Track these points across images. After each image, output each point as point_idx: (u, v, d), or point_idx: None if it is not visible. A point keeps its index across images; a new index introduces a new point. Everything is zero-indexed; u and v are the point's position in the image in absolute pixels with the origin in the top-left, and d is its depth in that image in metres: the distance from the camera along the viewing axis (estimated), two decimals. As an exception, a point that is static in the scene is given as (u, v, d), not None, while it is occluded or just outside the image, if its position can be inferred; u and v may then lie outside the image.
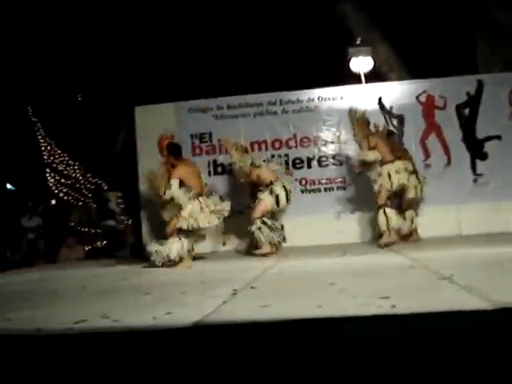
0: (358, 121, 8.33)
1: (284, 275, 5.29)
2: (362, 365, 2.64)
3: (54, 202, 15.33)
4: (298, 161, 10.02)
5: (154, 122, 10.04)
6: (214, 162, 10.13)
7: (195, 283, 4.99)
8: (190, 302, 3.78)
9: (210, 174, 10.08)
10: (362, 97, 9.90)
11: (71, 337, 2.98)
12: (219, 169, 10.06)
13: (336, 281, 4.27)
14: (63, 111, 13.91)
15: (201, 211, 7.14)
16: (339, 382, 2.66)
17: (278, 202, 7.93)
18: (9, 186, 22.17)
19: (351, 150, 9.36)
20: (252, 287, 4.36)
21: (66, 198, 14.81)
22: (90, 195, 14.82)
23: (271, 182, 7.99)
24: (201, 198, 7.23)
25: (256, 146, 10.10)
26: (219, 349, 2.77)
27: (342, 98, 10.06)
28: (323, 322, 2.79)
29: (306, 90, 10.29)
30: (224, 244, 9.68)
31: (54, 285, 5.87)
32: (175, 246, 7.07)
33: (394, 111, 10.05)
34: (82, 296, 4.82)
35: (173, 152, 7.63)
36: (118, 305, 3.91)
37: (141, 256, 9.98)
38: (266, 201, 7.91)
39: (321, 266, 6.03)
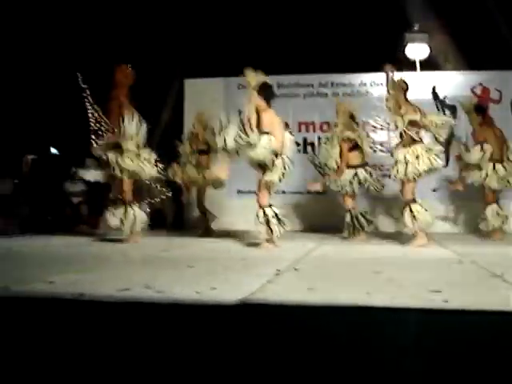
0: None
1: (327, 259, 5.21)
2: (413, 359, 2.56)
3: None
4: (344, 145, 9.86)
5: (203, 96, 10.01)
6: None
7: (238, 260, 4.94)
8: (233, 278, 3.72)
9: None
10: (416, 84, 9.66)
11: (114, 304, 2.94)
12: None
13: (381, 269, 4.17)
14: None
15: None
16: (383, 374, 2.59)
17: None
18: (53, 150, 22.46)
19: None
20: (295, 269, 4.28)
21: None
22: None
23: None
24: None
25: (304, 127, 10.00)
26: (263, 329, 2.72)
27: (395, 84, 9.85)
28: (374, 310, 2.70)
29: (358, 74, 10.14)
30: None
31: (96, 251, 5.90)
32: None
33: (448, 101, 9.82)
34: (123, 264, 4.82)
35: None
36: (161, 276, 3.87)
37: (180, 227, 10.04)
38: None
39: (364, 252, 5.94)
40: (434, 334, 2.63)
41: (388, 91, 7.26)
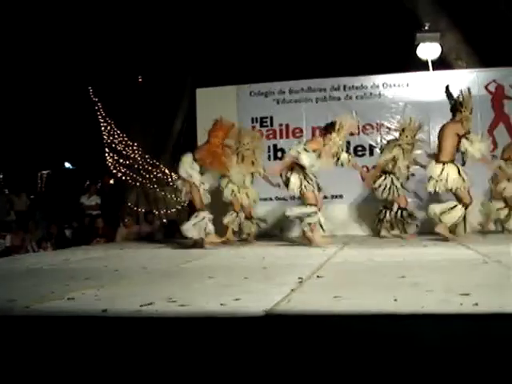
0: None
1: (349, 265, 5.13)
2: (445, 367, 2.49)
3: (112, 181, 15.48)
4: (359, 148, 9.81)
5: (215, 105, 9.98)
6: (275, 146, 10.00)
7: (257, 269, 4.88)
8: (255, 288, 3.67)
9: (269, 158, 9.97)
10: (429, 84, 9.59)
11: (138, 320, 2.90)
12: (279, 153, 9.90)
13: (405, 273, 4.09)
14: (124, 92, 13.98)
15: None
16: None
17: None
18: (67, 164, 22.57)
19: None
20: (318, 276, 4.22)
21: (123, 178, 14.90)
22: (147, 176, 14.86)
23: None
24: None
25: (317, 132, 9.92)
26: (290, 339, 2.66)
27: (407, 84, 9.79)
28: (404, 318, 2.63)
29: (370, 76, 10.05)
30: (281, 231, 9.63)
31: (115, 264, 5.85)
32: None
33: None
34: (144, 277, 4.77)
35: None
36: (183, 288, 3.83)
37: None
38: None
39: (385, 256, 5.85)
40: (466, 338, 2.56)
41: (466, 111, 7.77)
